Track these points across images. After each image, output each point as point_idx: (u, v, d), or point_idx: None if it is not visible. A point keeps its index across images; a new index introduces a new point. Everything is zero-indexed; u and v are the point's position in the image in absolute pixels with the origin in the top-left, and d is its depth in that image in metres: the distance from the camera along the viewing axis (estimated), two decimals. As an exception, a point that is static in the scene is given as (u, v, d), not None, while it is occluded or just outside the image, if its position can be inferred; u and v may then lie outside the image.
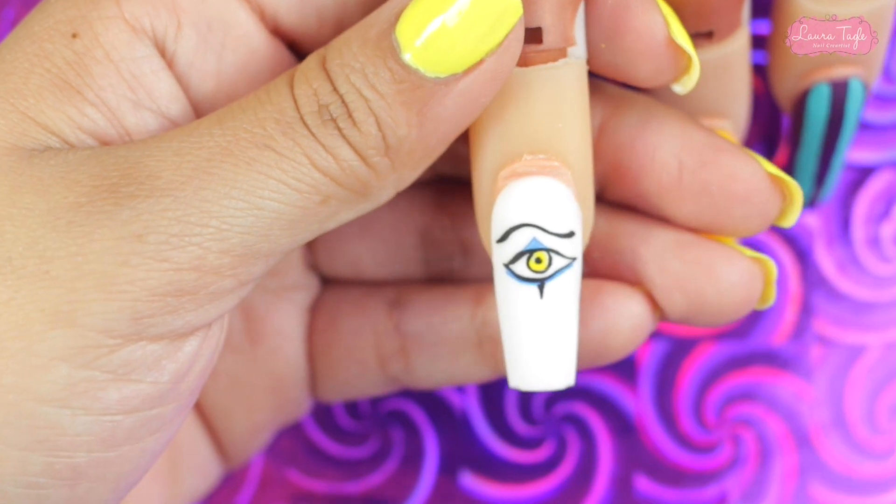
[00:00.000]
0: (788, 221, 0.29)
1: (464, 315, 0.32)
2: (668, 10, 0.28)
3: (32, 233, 0.24)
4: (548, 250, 0.27)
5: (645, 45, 0.27)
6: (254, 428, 0.34)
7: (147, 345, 0.25)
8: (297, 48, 0.29)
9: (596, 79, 0.29)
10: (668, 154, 0.29)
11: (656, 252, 0.29)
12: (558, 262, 0.27)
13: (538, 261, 0.27)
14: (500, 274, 0.27)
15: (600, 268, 0.30)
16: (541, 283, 0.27)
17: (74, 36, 0.26)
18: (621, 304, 0.29)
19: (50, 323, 0.24)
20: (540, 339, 0.27)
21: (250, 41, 0.28)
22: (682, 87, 0.29)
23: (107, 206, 0.24)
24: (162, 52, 0.27)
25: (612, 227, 0.30)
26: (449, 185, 0.33)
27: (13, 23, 0.39)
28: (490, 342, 0.31)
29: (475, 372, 0.32)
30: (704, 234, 0.30)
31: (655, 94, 0.33)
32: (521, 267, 0.27)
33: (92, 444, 0.25)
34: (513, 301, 0.27)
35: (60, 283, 0.24)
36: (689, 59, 0.28)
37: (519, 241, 0.27)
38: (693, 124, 0.29)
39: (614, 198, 0.30)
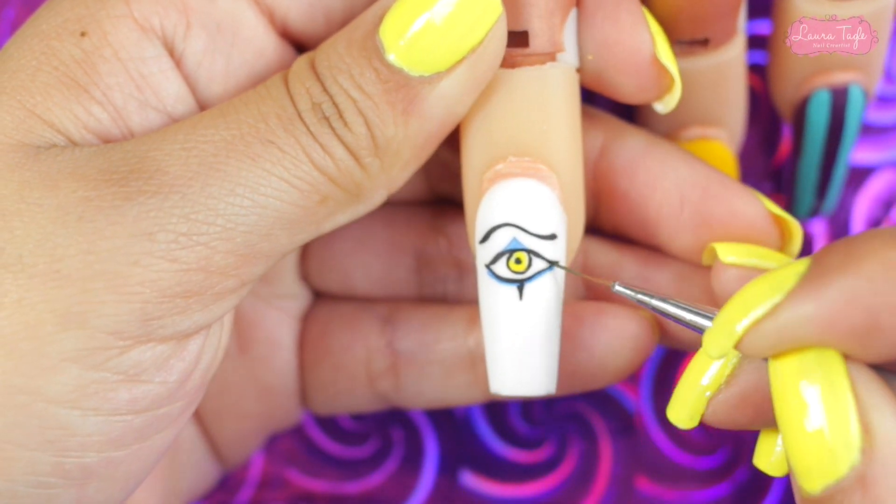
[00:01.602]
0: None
1: (457, 335, 0.32)
2: (656, 29, 0.28)
3: (42, 229, 0.24)
4: (528, 251, 0.27)
5: (630, 60, 0.27)
6: (245, 433, 0.34)
7: (156, 345, 0.25)
8: (304, 50, 0.29)
9: (596, 108, 0.29)
10: (671, 184, 0.29)
11: (669, 281, 0.30)
12: (538, 264, 0.27)
13: (518, 261, 0.27)
14: (482, 276, 0.27)
15: (608, 296, 0.30)
16: (520, 284, 0.27)
17: (83, 34, 0.26)
18: (623, 325, 0.30)
19: (61, 324, 0.24)
20: (519, 343, 0.27)
21: (259, 42, 0.28)
22: (663, 107, 0.29)
23: (116, 201, 0.24)
24: (170, 51, 0.27)
25: (622, 256, 0.30)
26: (446, 205, 0.33)
27: (13, 22, 0.39)
28: (483, 364, 0.31)
29: (466, 394, 0.32)
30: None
31: (649, 109, 0.33)
32: (500, 267, 0.27)
33: (102, 444, 0.25)
34: (493, 302, 0.27)
35: (72, 283, 0.24)
36: (672, 79, 0.28)
37: (499, 241, 0.27)
38: (696, 159, 0.30)
39: (608, 223, 0.30)
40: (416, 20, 0.25)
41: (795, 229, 0.29)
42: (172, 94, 0.27)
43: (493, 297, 0.27)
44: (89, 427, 0.25)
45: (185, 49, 0.27)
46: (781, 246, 0.29)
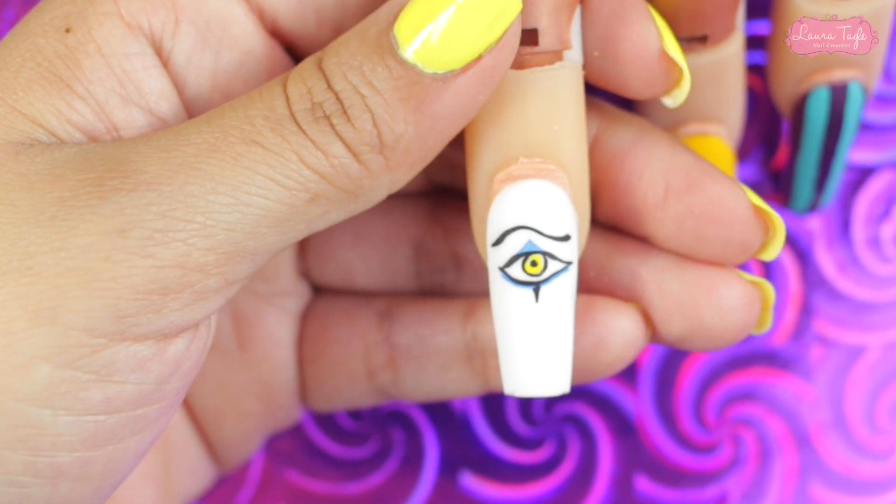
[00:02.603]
0: (769, 255, 0.29)
1: (454, 328, 0.31)
2: (661, 23, 0.28)
3: (17, 228, 0.24)
4: (543, 253, 0.27)
5: (638, 55, 0.27)
6: (244, 433, 0.34)
7: (131, 345, 0.25)
8: (294, 50, 0.29)
9: (591, 96, 0.29)
10: (655, 173, 0.29)
11: (655, 273, 0.29)
12: (554, 266, 0.27)
13: (533, 264, 0.27)
14: (495, 278, 0.27)
15: (596, 287, 0.30)
16: (536, 287, 0.27)
17: (68, 30, 0.26)
18: (613, 319, 0.29)
19: (32, 320, 0.24)
20: (535, 344, 0.27)
21: (248, 40, 0.28)
22: (671, 101, 0.29)
23: (91, 200, 0.24)
24: (158, 49, 0.27)
25: (610, 247, 0.30)
26: (444, 196, 0.33)
27: (13, 23, 0.39)
28: (480, 356, 0.31)
29: (465, 386, 0.32)
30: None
31: (648, 105, 0.33)
32: (516, 270, 0.27)
33: (74, 443, 0.25)
34: (508, 305, 0.27)
35: (43, 279, 0.24)
36: (681, 72, 0.28)
37: (514, 243, 0.27)
38: (684, 148, 0.29)
39: (600, 214, 0.30)
40: (433, 18, 0.25)
41: (778, 223, 0.29)
42: (156, 91, 0.27)
43: (508, 299, 0.27)
44: (61, 426, 0.24)
45: (173, 47, 0.27)
46: (765, 241, 0.29)
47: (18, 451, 0.24)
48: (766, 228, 0.29)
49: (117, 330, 0.24)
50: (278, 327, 0.33)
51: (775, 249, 0.29)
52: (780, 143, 0.37)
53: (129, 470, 0.27)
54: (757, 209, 0.29)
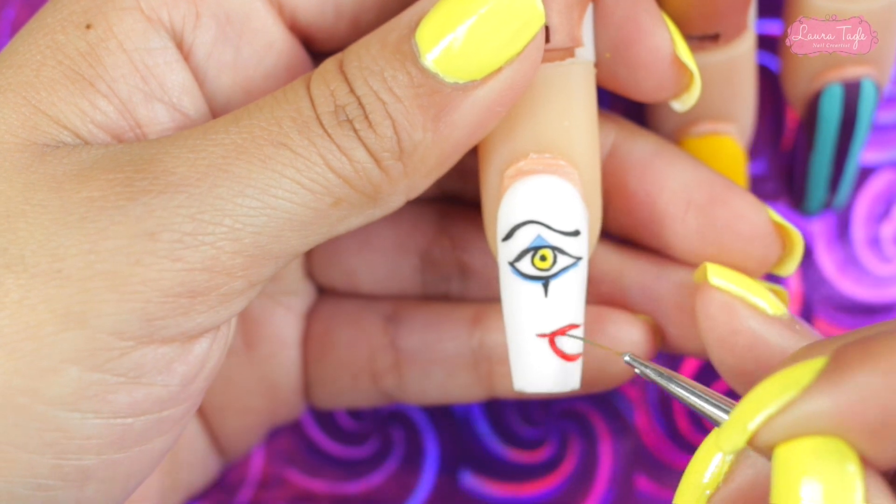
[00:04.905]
0: (786, 270, 0.30)
1: (460, 335, 0.32)
2: (673, 28, 0.28)
3: (45, 229, 0.24)
4: (552, 248, 0.27)
5: (651, 60, 0.27)
6: (247, 427, 0.34)
7: (158, 347, 0.25)
8: (311, 45, 0.29)
9: (607, 110, 0.29)
10: (678, 185, 0.29)
11: (672, 289, 0.30)
12: (563, 261, 0.27)
13: (543, 258, 0.27)
14: (505, 273, 0.27)
15: (610, 301, 0.30)
16: (545, 281, 0.27)
17: (88, 27, 0.26)
18: (623, 331, 0.30)
19: (61, 324, 0.24)
20: (544, 340, 0.27)
21: (267, 35, 0.28)
22: (681, 105, 0.29)
23: (120, 201, 0.24)
24: (179, 43, 0.27)
25: (623, 261, 0.30)
26: (453, 205, 0.33)
27: (13, 23, 0.39)
28: (486, 363, 0.31)
29: (469, 392, 0.32)
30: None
31: (660, 104, 0.33)
32: (525, 265, 0.27)
33: (101, 446, 0.25)
34: (517, 300, 0.27)
35: (72, 283, 0.24)
36: (692, 77, 0.28)
37: (523, 238, 0.27)
38: (704, 164, 0.30)
39: (614, 224, 0.30)
40: (455, 26, 0.25)
41: (797, 239, 0.29)
42: (178, 85, 0.27)
43: (518, 294, 0.27)
44: (88, 430, 0.25)
45: (194, 40, 0.27)
46: (782, 257, 0.30)
47: (46, 455, 0.24)
48: (784, 245, 0.29)
49: (145, 333, 0.24)
50: (284, 326, 0.33)
51: (792, 265, 0.30)
52: (781, 142, 0.37)
53: (154, 468, 0.27)
54: (777, 225, 0.29)
